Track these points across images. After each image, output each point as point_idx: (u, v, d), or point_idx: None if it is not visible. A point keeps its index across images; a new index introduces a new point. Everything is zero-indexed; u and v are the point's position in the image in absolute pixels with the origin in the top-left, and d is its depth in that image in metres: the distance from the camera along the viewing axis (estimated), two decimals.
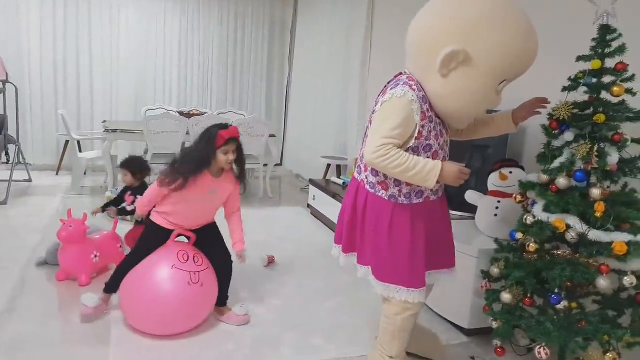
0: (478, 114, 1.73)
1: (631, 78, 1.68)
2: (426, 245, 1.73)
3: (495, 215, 2.37)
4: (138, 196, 2.73)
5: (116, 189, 3.99)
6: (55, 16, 5.54)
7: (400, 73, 1.73)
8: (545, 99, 1.77)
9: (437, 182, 1.59)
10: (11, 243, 3.20)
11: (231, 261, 2.39)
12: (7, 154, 4.37)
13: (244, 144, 2.26)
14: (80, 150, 4.99)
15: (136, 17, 5.87)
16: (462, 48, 1.48)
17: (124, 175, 3.12)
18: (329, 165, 4.85)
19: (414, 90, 1.58)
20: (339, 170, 4.76)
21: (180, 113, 5.07)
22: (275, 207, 4.70)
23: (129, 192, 3.08)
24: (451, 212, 2.94)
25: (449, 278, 1.91)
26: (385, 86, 1.73)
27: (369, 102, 4.42)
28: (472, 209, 2.53)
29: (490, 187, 2.44)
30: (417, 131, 1.60)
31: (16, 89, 4.48)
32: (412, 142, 1.61)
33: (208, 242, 2.36)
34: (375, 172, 1.70)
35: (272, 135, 5.00)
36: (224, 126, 2.17)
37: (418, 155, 1.62)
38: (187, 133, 4.64)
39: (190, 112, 5.11)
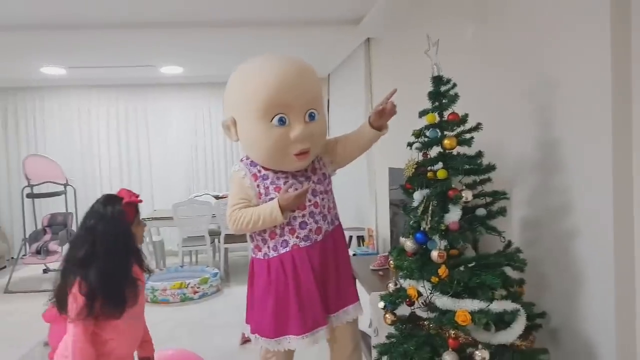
0: None
1: (476, 128, 1.56)
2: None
3: None
4: None
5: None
6: (118, 127, 6.49)
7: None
8: (394, 91, 1.91)
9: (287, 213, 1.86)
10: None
11: None
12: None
13: None
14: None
15: (184, 113, 6.57)
16: None
17: None
18: (350, 237, 4.76)
19: (241, 161, 1.99)
20: (359, 241, 4.66)
21: (216, 197, 5.50)
22: None
23: None
24: None
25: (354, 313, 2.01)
26: None
27: (377, 169, 4.35)
28: None
29: None
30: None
31: (75, 190, 5.24)
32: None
33: None
34: (251, 238, 2.01)
35: None
36: (114, 196, 1.73)
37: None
38: (214, 216, 5.00)
39: (223, 196, 5.51)
